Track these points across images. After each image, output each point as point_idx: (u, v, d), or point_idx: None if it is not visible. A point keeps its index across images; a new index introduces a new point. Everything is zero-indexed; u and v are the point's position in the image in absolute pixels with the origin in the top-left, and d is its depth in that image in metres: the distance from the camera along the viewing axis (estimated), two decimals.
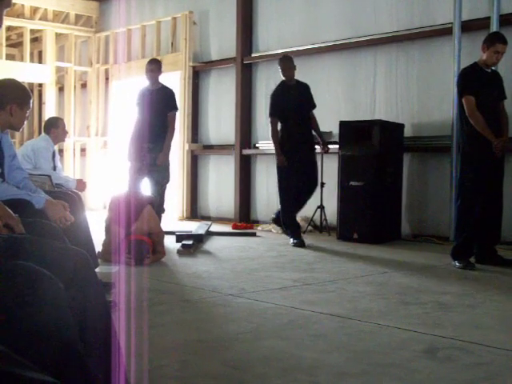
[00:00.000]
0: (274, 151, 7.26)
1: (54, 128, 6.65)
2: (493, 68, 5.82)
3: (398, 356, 2.98)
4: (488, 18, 7.13)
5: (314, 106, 7.40)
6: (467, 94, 5.57)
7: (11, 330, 1.39)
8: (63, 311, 1.48)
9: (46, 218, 3.25)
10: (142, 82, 7.96)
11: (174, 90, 7.89)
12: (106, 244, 5.82)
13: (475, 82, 5.61)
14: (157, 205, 6.76)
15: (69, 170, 11.72)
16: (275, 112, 7.18)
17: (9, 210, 1.92)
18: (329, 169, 8.11)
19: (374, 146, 7.35)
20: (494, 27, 6.98)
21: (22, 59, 12.09)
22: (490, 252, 5.82)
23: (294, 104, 7.17)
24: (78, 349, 1.50)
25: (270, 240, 7.69)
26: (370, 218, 7.30)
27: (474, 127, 5.53)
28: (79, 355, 1.50)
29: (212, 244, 7.19)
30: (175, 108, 7.68)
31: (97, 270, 4.26)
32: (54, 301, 1.46)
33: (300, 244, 7.05)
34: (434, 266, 5.79)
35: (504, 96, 5.83)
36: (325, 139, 7.49)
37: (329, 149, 7.44)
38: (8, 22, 11.06)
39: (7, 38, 11.85)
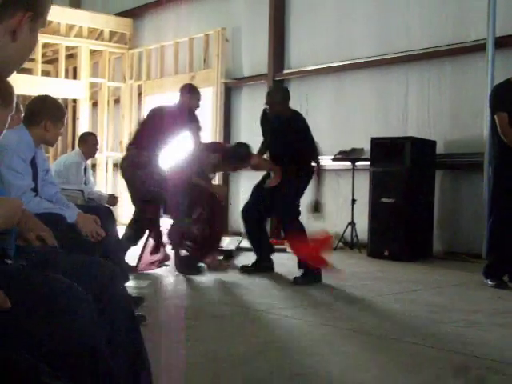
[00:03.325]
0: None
1: (84, 143, 6.84)
2: None
3: (428, 375, 2.94)
4: None
5: None
6: (500, 111, 5.51)
7: (42, 342, 1.41)
8: (92, 325, 1.50)
9: (78, 232, 3.30)
10: (175, 98, 7.97)
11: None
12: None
13: (508, 99, 5.54)
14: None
15: (101, 185, 11.83)
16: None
17: (41, 222, 1.96)
18: (360, 185, 8.08)
19: (405, 163, 7.31)
20: None
21: (56, 75, 12.26)
22: None
23: None
24: (106, 362, 1.51)
25: None
26: (401, 235, 7.24)
27: (506, 144, 5.47)
28: (108, 369, 1.52)
29: (242, 259, 7.20)
30: None
31: (128, 283, 4.29)
32: (84, 314, 1.48)
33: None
34: (466, 284, 5.72)
35: None
36: None
37: None
38: (44, 39, 11.25)
39: (43, 55, 12.03)
